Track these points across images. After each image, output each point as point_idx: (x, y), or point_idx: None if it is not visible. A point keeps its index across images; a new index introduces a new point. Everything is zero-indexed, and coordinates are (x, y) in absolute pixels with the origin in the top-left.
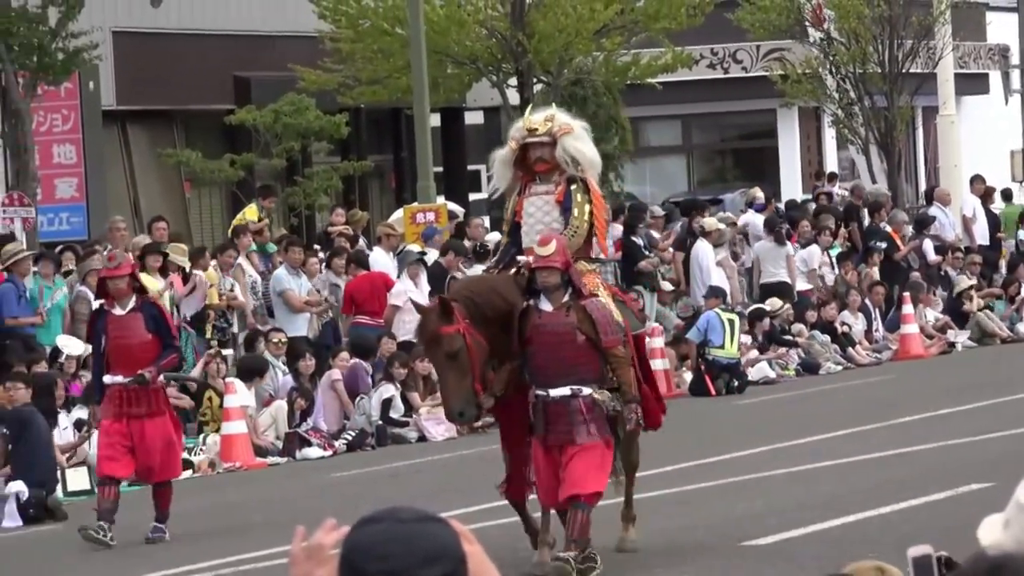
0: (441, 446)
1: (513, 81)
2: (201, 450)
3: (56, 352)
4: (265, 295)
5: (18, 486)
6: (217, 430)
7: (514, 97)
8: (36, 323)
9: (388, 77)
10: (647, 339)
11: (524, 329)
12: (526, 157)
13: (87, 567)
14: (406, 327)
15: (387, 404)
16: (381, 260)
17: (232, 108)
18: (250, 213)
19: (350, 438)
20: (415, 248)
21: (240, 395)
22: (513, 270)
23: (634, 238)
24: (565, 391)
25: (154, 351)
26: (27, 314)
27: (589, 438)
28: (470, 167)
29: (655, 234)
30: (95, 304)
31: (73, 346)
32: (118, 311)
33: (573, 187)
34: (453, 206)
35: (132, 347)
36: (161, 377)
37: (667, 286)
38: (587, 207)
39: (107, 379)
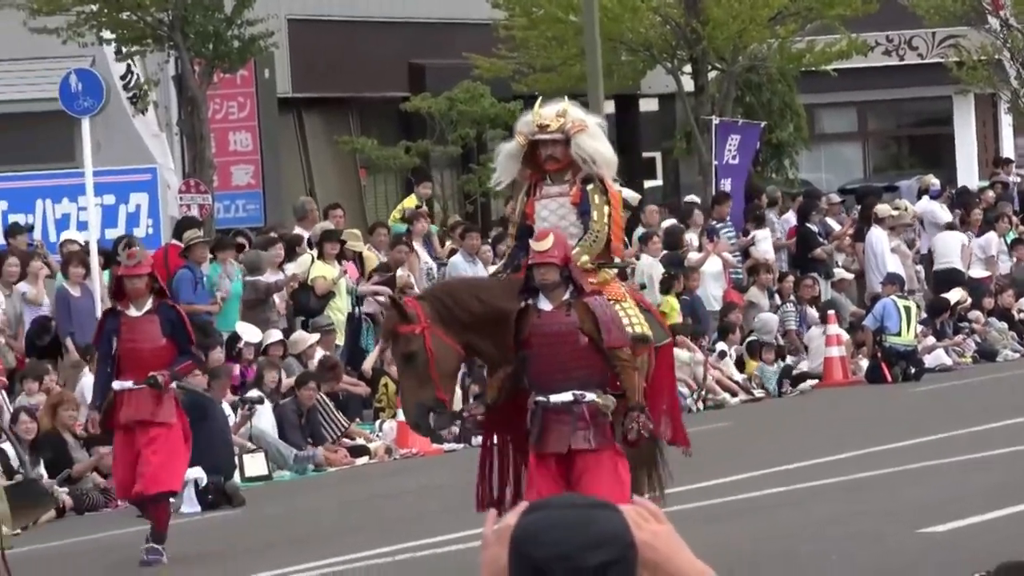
0: None
1: (688, 68)
2: (377, 436)
3: (234, 338)
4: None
5: (196, 472)
6: (393, 416)
7: (689, 84)
8: (212, 311)
9: (562, 64)
10: (674, 350)
11: (522, 330)
12: (535, 155)
13: (266, 553)
14: None
15: None
16: None
17: (407, 95)
18: (408, 202)
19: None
20: None
21: None
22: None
23: (809, 225)
24: (566, 396)
25: (168, 357)
26: (203, 301)
27: (593, 443)
28: (645, 154)
29: (832, 222)
30: (102, 303)
31: (251, 333)
32: (133, 312)
33: (590, 187)
34: (628, 193)
35: (144, 351)
36: (173, 384)
37: (842, 273)
38: (606, 208)
39: (116, 385)
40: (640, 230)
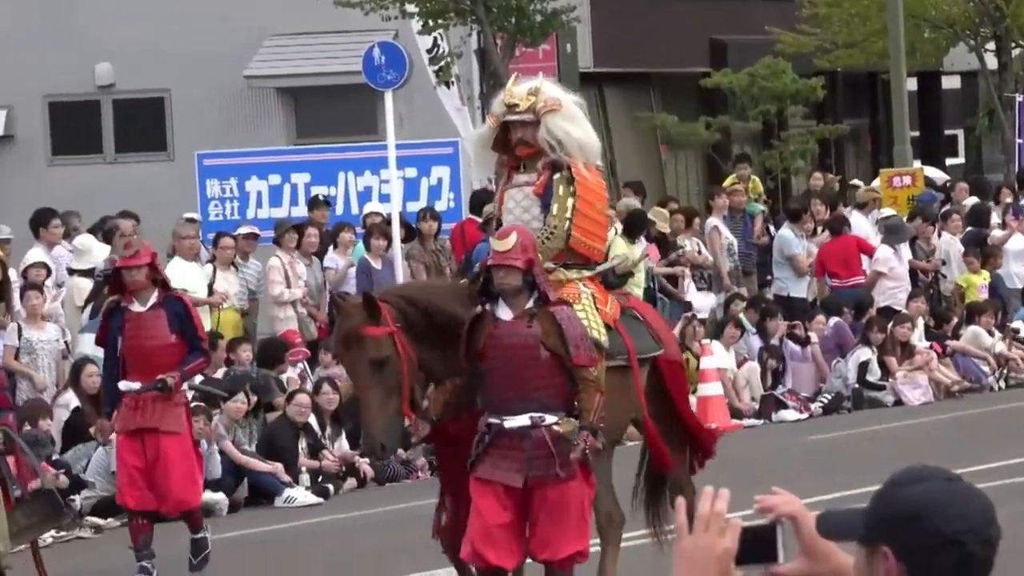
0: (917, 410)
1: (991, 45)
2: None
3: None
4: (743, 257)
5: None
6: (693, 391)
7: (992, 61)
8: None
9: (864, 41)
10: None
11: (477, 341)
12: (507, 139)
13: None
14: (887, 292)
15: (863, 367)
16: (861, 225)
17: (708, 71)
18: (728, 182)
19: (826, 401)
20: (889, 211)
21: (717, 357)
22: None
23: None
24: (523, 420)
25: (178, 355)
26: None
27: (553, 475)
28: (947, 132)
29: None
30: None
31: None
32: (136, 307)
33: (556, 177)
34: (931, 171)
35: (151, 350)
36: (185, 386)
37: None
38: (569, 201)
39: (123, 386)
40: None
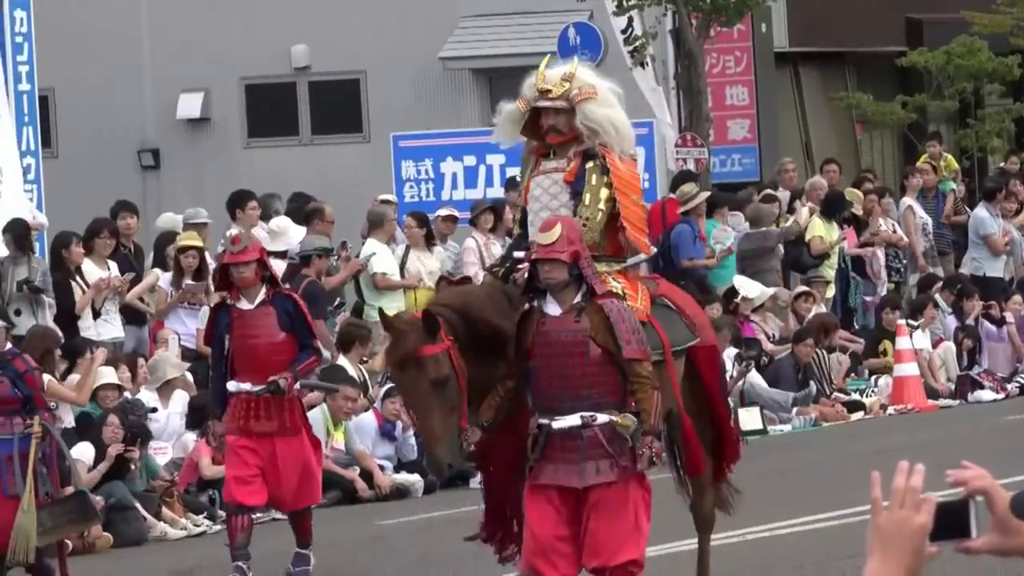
0: None
1: None
2: (873, 392)
3: (732, 292)
4: (936, 236)
5: None
6: (889, 372)
7: None
8: (709, 265)
9: None
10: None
11: (524, 338)
12: (538, 124)
13: (764, 506)
14: None
15: None
16: None
17: (903, 50)
18: (921, 162)
19: (1023, 381)
20: None
21: (914, 338)
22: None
23: None
24: (574, 419)
25: (288, 354)
26: (701, 255)
27: (607, 476)
28: None
29: None
30: (214, 296)
31: (749, 287)
32: (244, 305)
33: (589, 165)
34: None
35: (261, 348)
36: (297, 385)
37: None
38: (603, 192)
39: (231, 386)
40: None
